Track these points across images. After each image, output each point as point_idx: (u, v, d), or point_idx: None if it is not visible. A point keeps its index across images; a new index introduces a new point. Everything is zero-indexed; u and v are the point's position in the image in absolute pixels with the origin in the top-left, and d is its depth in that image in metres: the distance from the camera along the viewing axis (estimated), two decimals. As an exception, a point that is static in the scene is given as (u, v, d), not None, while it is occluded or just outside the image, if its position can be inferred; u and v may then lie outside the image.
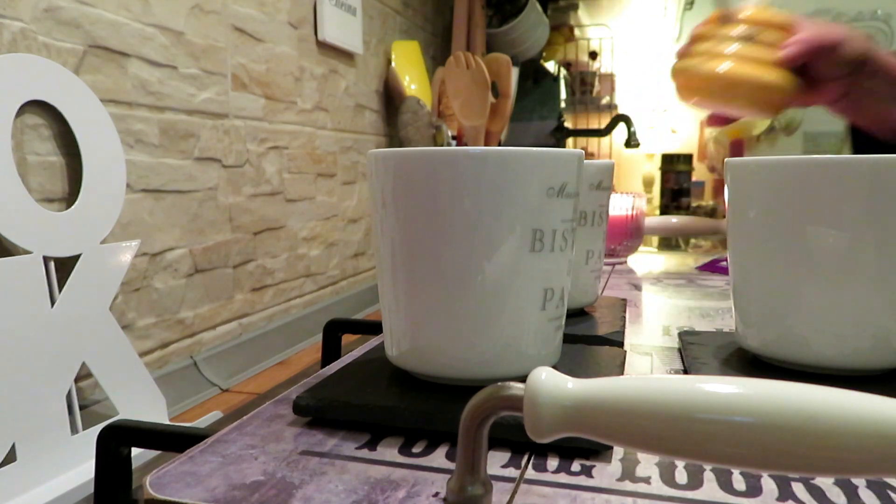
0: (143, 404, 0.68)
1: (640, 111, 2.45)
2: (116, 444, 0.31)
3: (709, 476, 0.25)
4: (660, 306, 0.57)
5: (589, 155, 2.25)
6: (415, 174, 0.29)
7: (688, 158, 2.09)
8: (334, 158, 1.27)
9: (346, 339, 0.52)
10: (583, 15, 2.45)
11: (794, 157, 0.33)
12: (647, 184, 2.46)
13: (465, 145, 1.06)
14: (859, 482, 0.24)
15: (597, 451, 0.27)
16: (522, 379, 0.22)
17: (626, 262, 0.84)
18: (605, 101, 2.37)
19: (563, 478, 0.25)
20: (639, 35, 2.50)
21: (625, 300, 0.53)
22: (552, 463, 0.26)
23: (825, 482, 0.24)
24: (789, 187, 0.32)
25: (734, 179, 0.36)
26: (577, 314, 0.47)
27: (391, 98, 1.51)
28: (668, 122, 2.53)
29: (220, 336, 0.93)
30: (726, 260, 0.41)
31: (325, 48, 1.23)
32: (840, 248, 0.31)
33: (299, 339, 1.09)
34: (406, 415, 0.28)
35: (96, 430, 0.57)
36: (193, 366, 0.86)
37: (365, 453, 0.27)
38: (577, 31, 2.38)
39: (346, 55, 1.31)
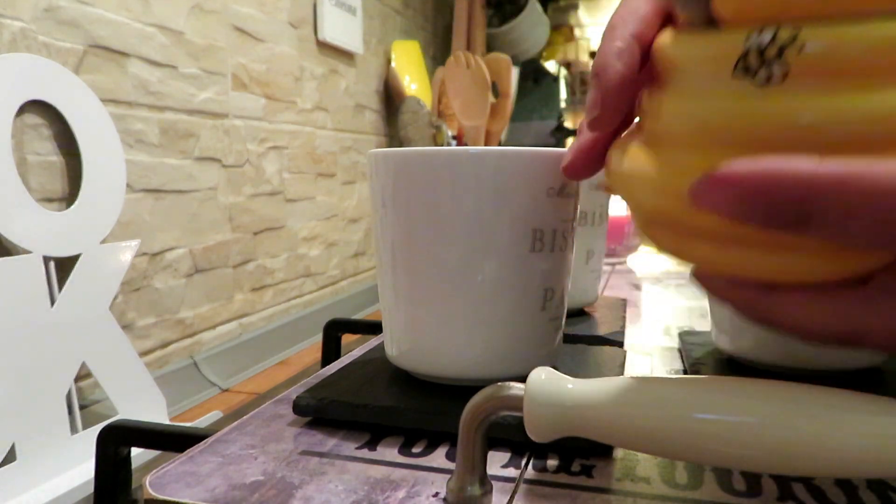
0: (143, 404, 0.68)
1: (640, 111, 2.45)
2: (116, 444, 0.31)
3: (709, 476, 0.25)
4: (660, 306, 0.57)
5: (589, 155, 2.25)
6: (415, 174, 0.29)
7: (688, 158, 2.09)
8: (334, 158, 1.27)
9: (346, 339, 0.52)
10: (583, 15, 2.45)
11: None
12: (647, 184, 2.46)
13: (465, 145, 1.06)
14: (859, 482, 0.24)
15: (597, 451, 0.27)
16: (522, 379, 0.22)
17: (626, 262, 0.83)
18: (605, 100, 2.36)
19: (563, 478, 0.25)
20: (639, 35, 2.50)
21: (625, 300, 0.53)
22: (552, 463, 0.26)
23: (825, 482, 0.24)
24: None
25: None
26: (577, 314, 0.47)
27: (391, 98, 1.51)
28: (668, 122, 2.52)
29: (220, 336, 0.93)
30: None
31: (325, 48, 1.23)
32: None
33: (299, 339, 1.09)
34: (406, 415, 0.28)
35: (96, 430, 0.57)
36: (193, 366, 0.86)
37: (365, 453, 0.27)
38: (577, 31, 2.38)
39: (346, 55, 1.31)
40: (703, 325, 0.49)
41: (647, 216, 0.22)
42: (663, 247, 0.22)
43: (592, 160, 0.26)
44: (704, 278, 0.21)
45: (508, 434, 0.26)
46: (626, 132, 0.24)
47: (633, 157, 0.22)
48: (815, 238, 0.17)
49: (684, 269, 0.22)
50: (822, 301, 0.19)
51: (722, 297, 0.21)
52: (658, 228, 0.22)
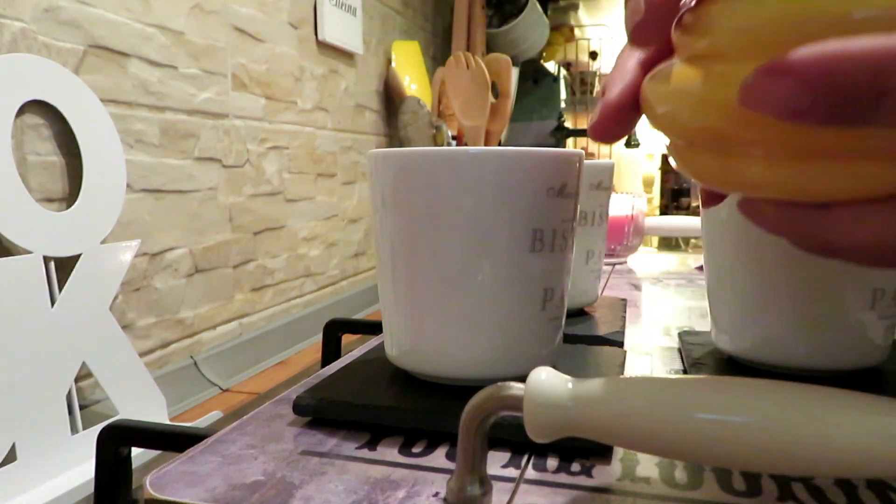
0: (143, 404, 0.68)
1: (640, 111, 2.45)
2: (116, 444, 0.31)
3: (709, 476, 0.25)
4: (660, 306, 0.57)
5: (589, 155, 2.25)
6: (415, 174, 0.29)
7: (688, 158, 2.09)
8: (334, 158, 1.27)
9: (346, 339, 0.52)
10: (583, 15, 2.45)
11: None
12: (647, 184, 2.46)
13: (465, 145, 1.06)
14: (859, 482, 0.24)
15: (597, 451, 0.27)
16: (522, 379, 0.22)
17: (626, 262, 0.84)
18: (605, 101, 2.36)
19: (563, 478, 0.25)
20: (639, 35, 2.50)
21: (625, 300, 0.53)
22: (552, 463, 0.26)
23: (825, 482, 0.24)
24: None
25: None
26: (577, 314, 0.47)
27: (391, 98, 1.51)
28: (668, 122, 2.53)
29: (220, 336, 0.93)
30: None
31: (325, 48, 1.23)
32: None
33: (299, 339, 1.09)
34: (406, 415, 0.28)
35: (96, 430, 0.57)
36: (193, 366, 0.86)
37: (365, 453, 0.27)
38: (577, 31, 2.38)
39: (346, 55, 1.31)
40: (703, 325, 0.49)
41: (690, 138, 0.21)
42: (707, 174, 0.21)
43: (622, 116, 0.23)
44: (751, 208, 0.20)
45: (508, 434, 0.26)
46: (660, 64, 0.22)
47: (672, 78, 0.20)
48: (883, 133, 0.16)
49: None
50: (884, 214, 0.17)
51: (772, 226, 0.19)
52: (702, 152, 0.21)
